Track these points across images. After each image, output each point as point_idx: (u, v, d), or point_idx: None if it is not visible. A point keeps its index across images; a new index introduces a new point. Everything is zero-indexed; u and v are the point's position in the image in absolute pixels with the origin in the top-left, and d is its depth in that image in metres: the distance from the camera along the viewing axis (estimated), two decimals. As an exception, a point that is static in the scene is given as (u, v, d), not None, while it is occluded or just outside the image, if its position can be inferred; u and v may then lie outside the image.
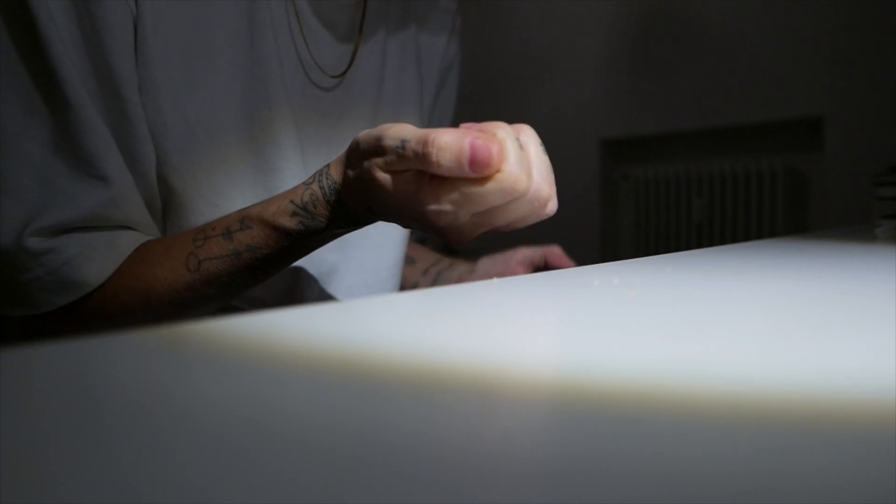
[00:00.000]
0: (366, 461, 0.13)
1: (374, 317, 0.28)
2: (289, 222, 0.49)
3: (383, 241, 0.72)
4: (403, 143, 0.42)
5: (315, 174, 0.50)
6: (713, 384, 0.18)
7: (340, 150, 0.65)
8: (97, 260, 0.52)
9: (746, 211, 2.44)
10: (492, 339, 0.23)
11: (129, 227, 0.55)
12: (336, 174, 0.48)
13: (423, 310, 0.30)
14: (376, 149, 0.44)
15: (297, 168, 0.62)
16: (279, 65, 0.61)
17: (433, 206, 0.43)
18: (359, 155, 0.46)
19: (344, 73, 0.67)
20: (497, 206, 0.44)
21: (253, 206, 0.52)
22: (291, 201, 0.49)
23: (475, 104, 3.16)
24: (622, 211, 2.83)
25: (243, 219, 0.51)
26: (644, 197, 2.71)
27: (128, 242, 0.54)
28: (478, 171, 0.41)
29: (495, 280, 0.39)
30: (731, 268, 0.45)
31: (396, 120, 0.73)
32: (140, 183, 0.55)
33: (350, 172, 0.47)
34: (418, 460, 0.13)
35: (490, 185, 0.42)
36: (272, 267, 0.52)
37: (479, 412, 0.16)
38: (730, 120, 2.41)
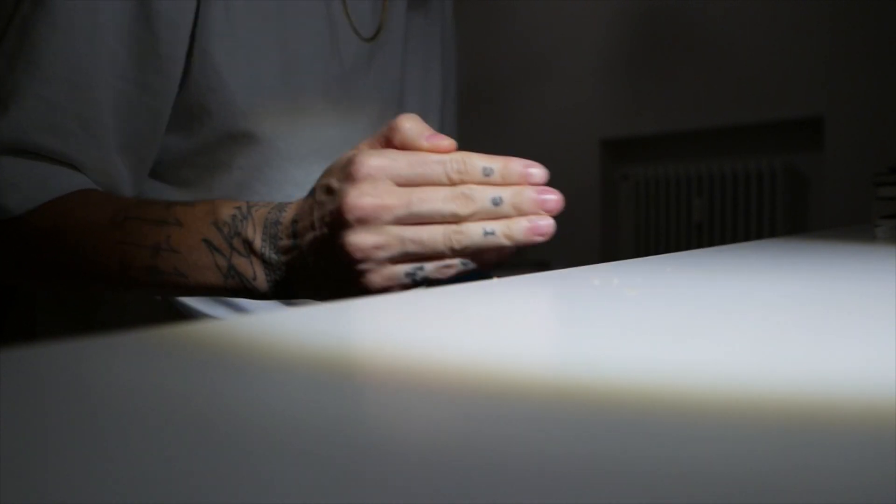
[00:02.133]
0: (366, 461, 0.13)
1: (373, 317, 0.28)
2: (209, 232, 0.46)
3: None
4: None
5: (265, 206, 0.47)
6: (713, 384, 0.18)
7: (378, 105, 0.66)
8: (24, 190, 0.50)
9: (746, 211, 2.44)
10: (492, 340, 0.23)
11: (77, 169, 0.53)
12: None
13: (422, 310, 0.30)
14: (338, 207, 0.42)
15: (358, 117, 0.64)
16: (328, 25, 0.63)
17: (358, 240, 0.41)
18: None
19: (376, 36, 0.67)
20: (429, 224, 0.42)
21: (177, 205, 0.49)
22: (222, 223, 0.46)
23: (475, 104, 3.16)
24: (622, 211, 2.83)
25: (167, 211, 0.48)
26: (644, 197, 2.71)
27: (62, 184, 0.51)
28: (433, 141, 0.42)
29: (495, 280, 0.39)
30: (731, 268, 0.45)
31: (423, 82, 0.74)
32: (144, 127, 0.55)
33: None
34: (418, 460, 0.13)
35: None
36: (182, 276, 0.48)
37: (479, 412, 0.16)
38: (730, 120, 2.41)
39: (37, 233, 0.51)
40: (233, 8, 0.55)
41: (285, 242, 0.44)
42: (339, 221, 0.41)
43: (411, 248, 0.42)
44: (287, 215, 0.45)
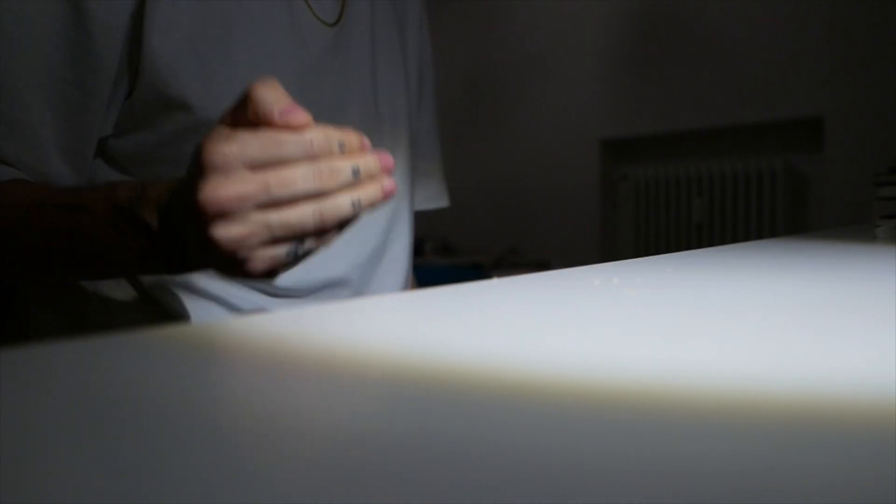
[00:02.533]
0: (366, 461, 0.13)
1: (373, 317, 0.28)
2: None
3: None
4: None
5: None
6: (713, 384, 0.18)
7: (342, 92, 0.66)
8: None
9: (746, 211, 2.44)
10: (492, 340, 0.23)
11: (11, 166, 0.54)
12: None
13: (423, 310, 0.30)
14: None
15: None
16: (289, 15, 0.62)
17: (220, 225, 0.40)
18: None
19: (338, 22, 0.67)
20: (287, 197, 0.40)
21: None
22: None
23: (475, 104, 3.16)
24: (622, 211, 2.83)
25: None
26: (644, 197, 2.71)
27: None
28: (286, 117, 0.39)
29: (495, 280, 0.39)
30: (731, 268, 0.45)
31: (388, 72, 0.73)
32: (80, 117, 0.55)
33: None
34: (418, 460, 0.13)
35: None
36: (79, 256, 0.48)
37: (479, 412, 0.16)
38: (730, 120, 2.42)
39: None
40: (180, 1, 0.56)
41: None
42: (200, 217, 0.40)
43: (280, 233, 0.40)
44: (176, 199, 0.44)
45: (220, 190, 0.39)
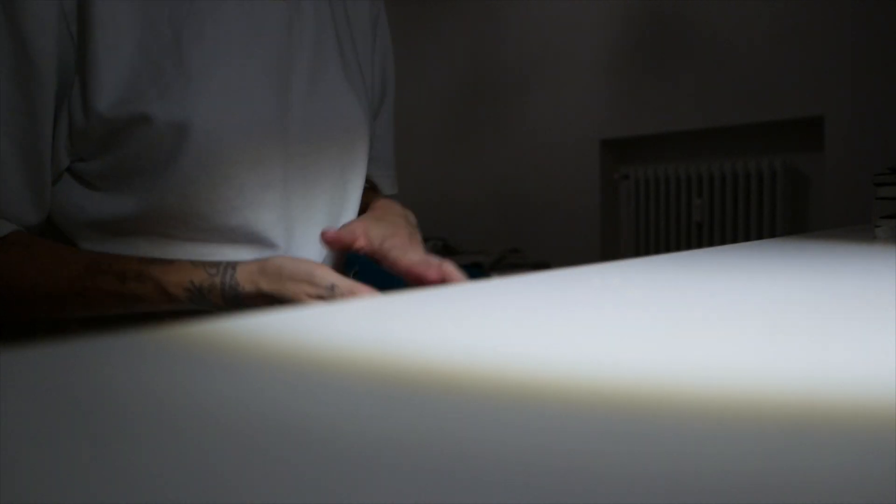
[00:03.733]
0: (366, 461, 0.13)
1: (373, 317, 0.28)
2: (181, 294, 0.56)
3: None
4: (334, 287, 0.55)
5: (219, 267, 0.57)
6: (713, 384, 0.18)
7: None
8: None
9: (746, 211, 2.44)
10: (492, 340, 0.23)
11: None
12: (244, 281, 0.56)
13: (423, 310, 0.30)
14: (308, 280, 0.56)
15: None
16: None
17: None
18: (282, 277, 0.56)
19: None
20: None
21: (154, 264, 0.56)
22: (191, 281, 0.56)
23: (476, 105, 3.16)
24: (622, 211, 2.83)
25: (140, 274, 0.55)
26: (644, 197, 2.71)
27: None
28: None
29: (495, 280, 0.39)
30: (731, 268, 0.45)
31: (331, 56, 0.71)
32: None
33: (266, 286, 0.56)
34: (417, 459, 0.13)
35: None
36: (148, 312, 0.58)
37: (479, 412, 0.16)
38: (730, 120, 2.42)
39: None
40: (121, 16, 0.56)
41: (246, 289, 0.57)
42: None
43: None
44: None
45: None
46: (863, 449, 0.13)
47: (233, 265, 0.57)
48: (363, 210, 0.75)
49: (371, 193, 0.83)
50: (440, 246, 3.05)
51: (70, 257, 0.56)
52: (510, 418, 0.15)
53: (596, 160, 2.81)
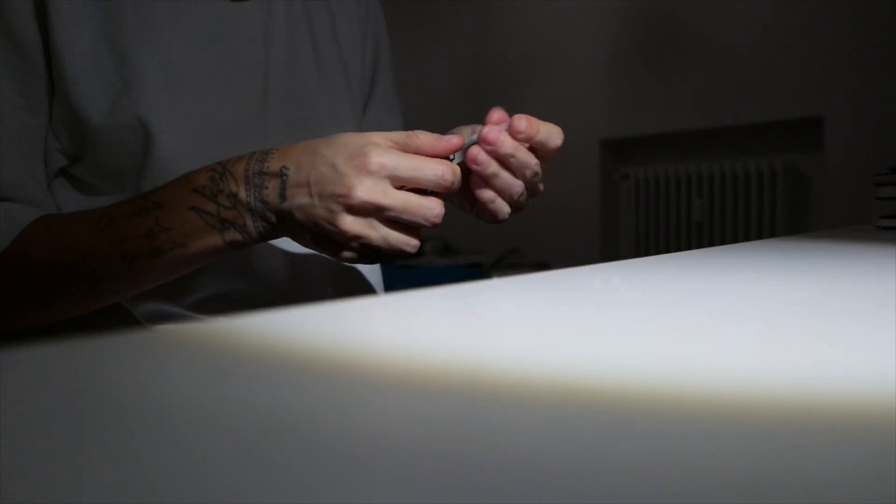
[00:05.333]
0: (366, 461, 0.13)
1: (374, 317, 0.28)
2: (204, 204, 0.49)
3: None
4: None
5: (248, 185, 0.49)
6: (713, 384, 0.18)
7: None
8: None
9: (746, 211, 2.44)
10: (492, 340, 0.23)
11: (11, 200, 0.55)
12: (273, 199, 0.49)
13: (423, 310, 0.30)
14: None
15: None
16: None
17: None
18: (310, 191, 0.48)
19: None
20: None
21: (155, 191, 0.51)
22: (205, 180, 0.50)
23: (476, 104, 3.16)
24: (622, 211, 2.83)
25: (153, 200, 0.51)
26: (644, 197, 2.71)
27: (22, 216, 0.53)
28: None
29: (495, 280, 0.39)
30: (731, 268, 0.45)
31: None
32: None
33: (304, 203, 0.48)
34: (417, 460, 0.13)
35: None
36: (181, 249, 0.51)
37: (479, 412, 0.16)
38: (730, 120, 2.42)
39: (24, 268, 0.52)
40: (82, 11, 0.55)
41: (271, 194, 0.48)
42: (336, 202, 0.46)
43: (385, 246, 0.48)
44: (272, 165, 0.49)
45: (371, 192, 0.46)
46: (863, 449, 0.13)
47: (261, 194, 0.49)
48: None
49: None
50: (440, 246, 3.05)
51: (82, 212, 0.53)
52: (510, 418, 0.15)
53: (596, 160, 2.81)
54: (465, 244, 3.12)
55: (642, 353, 0.21)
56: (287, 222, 0.49)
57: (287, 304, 0.59)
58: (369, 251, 0.49)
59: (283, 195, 0.48)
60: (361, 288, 0.72)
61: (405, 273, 2.57)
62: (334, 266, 0.67)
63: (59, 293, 0.53)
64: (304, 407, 0.16)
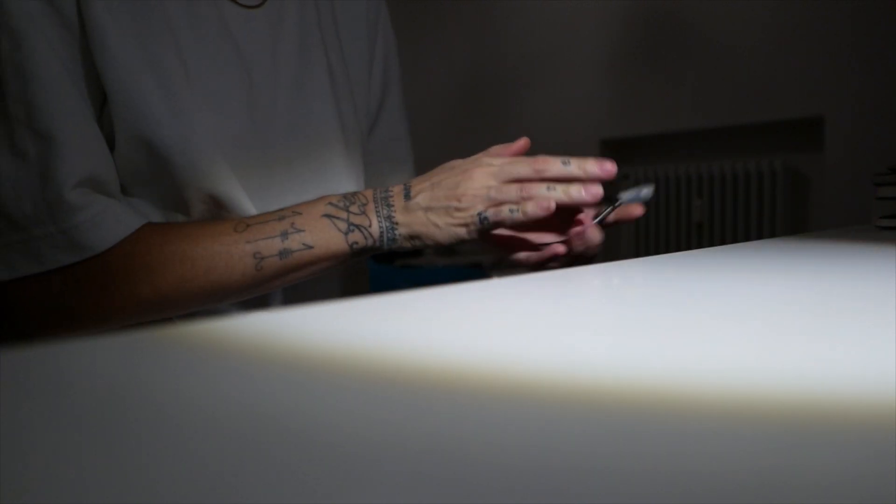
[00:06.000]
0: (364, 461, 0.13)
1: (374, 317, 0.28)
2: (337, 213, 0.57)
3: None
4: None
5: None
6: (713, 384, 0.18)
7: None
8: (105, 227, 0.53)
9: (746, 211, 2.44)
10: (491, 340, 0.23)
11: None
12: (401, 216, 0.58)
13: (423, 309, 0.30)
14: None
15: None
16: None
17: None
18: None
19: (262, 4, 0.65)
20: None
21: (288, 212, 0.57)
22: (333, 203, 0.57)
23: (475, 104, 3.16)
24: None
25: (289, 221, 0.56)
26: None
27: (132, 218, 0.54)
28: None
29: (495, 280, 0.39)
30: (731, 268, 0.45)
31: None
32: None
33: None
34: (415, 461, 0.13)
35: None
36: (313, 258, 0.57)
37: (479, 412, 0.16)
38: (730, 120, 2.42)
39: (130, 267, 0.54)
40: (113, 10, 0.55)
41: (396, 197, 0.58)
42: (456, 180, 0.58)
43: (511, 202, 0.60)
44: (396, 186, 0.59)
45: (489, 163, 0.61)
46: (863, 449, 0.13)
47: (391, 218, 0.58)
48: None
49: None
50: (440, 246, 3.04)
51: (211, 225, 0.56)
52: (510, 418, 0.15)
53: (596, 160, 2.80)
54: (465, 244, 3.12)
55: (642, 353, 0.21)
56: (410, 215, 0.57)
57: (287, 305, 0.59)
58: (486, 226, 0.58)
59: (407, 194, 0.58)
60: (362, 288, 0.72)
61: (405, 273, 2.57)
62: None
63: (174, 290, 0.54)
64: (304, 407, 0.16)
